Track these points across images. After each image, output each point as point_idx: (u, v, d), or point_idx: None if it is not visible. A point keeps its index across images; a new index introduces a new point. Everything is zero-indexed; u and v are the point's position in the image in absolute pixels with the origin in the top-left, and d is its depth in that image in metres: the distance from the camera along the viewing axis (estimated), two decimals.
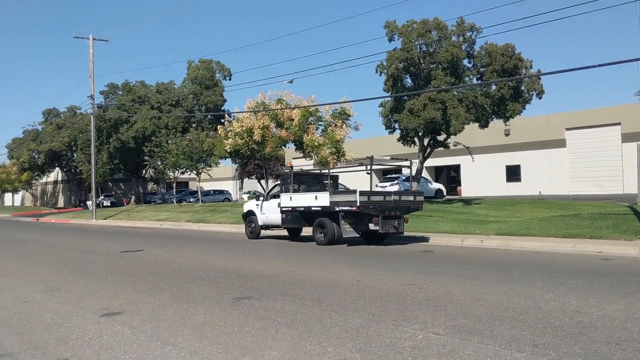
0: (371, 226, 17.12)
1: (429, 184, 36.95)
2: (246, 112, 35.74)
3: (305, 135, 33.60)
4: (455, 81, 26.42)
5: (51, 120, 69.98)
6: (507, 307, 7.83)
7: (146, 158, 52.16)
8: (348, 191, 17.98)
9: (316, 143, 32.78)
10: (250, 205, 21.91)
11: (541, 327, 6.71)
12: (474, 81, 27.62)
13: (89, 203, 55.47)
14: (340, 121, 33.19)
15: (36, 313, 8.38)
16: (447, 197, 38.20)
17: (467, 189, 45.90)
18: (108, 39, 46.51)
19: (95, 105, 45.19)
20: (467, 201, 29.58)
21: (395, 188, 34.02)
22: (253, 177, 71.33)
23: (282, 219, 19.40)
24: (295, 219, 19.01)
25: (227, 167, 71.81)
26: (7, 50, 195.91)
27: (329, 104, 33.27)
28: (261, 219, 20.83)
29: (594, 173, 40.78)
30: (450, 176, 49.90)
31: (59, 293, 10.02)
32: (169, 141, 47.44)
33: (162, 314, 8.04)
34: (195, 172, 45.80)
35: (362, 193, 16.88)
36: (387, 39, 27.05)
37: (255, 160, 49.84)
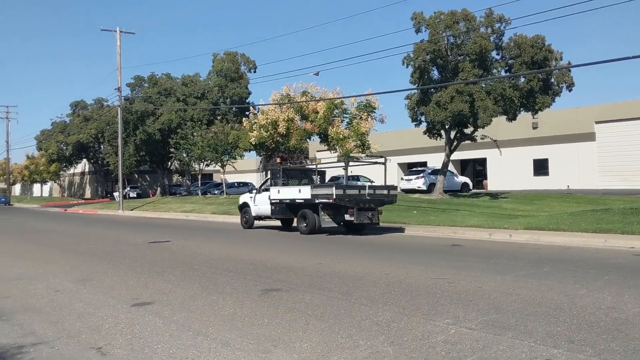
0: (347, 217, 18.62)
1: (455, 178, 36.58)
2: (271, 104, 35.73)
3: (330, 127, 33.46)
4: (483, 73, 26.05)
5: (79, 113, 70.84)
6: (540, 303, 7.70)
7: (172, 150, 52.55)
8: (326, 185, 19.98)
9: (341, 136, 32.56)
10: (244, 197, 23.63)
11: (576, 323, 6.58)
12: (503, 73, 27.20)
13: (115, 194, 56.16)
14: (366, 114, 32.84)
15: (68, 302, 8.49)
16: (473, 190, 37.81)
17: (493, 183, 45.38)
18: (135, 31, 46.77)
19: (122, 98, 45.62)
20: (494, 195, 29.25)
21: (421, 181, 33.82)
22: None
23: (272, 210, 20.93)
24: (283, 210, 20.52)
25: (251, 159, 72.04)
26: (35, 44, 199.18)
27: (354, 96, 33.04)
28: (254, 210, 22.43)
29: (624, 167, 39.95)
30: (476, 170, 49.38)
31: (90, 283, 10.14)
32: (194, 133, 47.67)
33: (192, 304, 8.09)
34: (220, 165, 46.04)
35: (337, 187, 18.69)
36: (414, 30, 26.82)
37: (279, 153, 49.95)
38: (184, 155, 50.36)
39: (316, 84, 36.16)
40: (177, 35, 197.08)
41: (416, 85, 26.90)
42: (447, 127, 27.84)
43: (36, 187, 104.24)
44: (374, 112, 33.27)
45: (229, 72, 54.15)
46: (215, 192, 55.79)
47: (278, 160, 23.19)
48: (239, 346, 6.01)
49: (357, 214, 18.25)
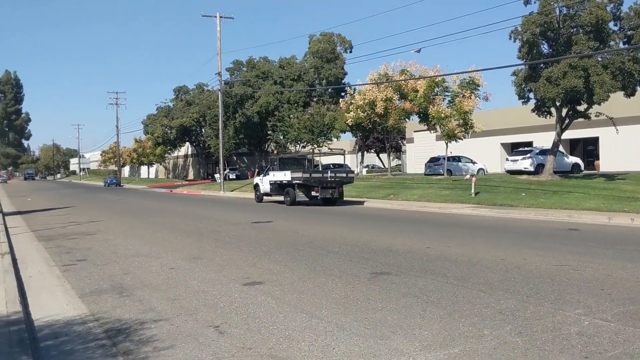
0: (313, 193, 25.10)
1: (565, 158, 34.36)
2: (368, 84, 35.22)
3: (431, 106, 32.43)
4: (599, 46, 24.10)
5: (181, 98, 73.55)
6: None
7: (269, 132, 53.43)
8: (299, 170, 26.18)
9: (442, 115, 31.46)
10: (257, 179, 31.16)
11: None
12: (621, 45, 25.04)
13: (217, 176, 57.96)
14: (469, 91, 31.53)
15: (183, 280, 8.67)
16: (584, 171, 35.45)
17: (605, 163, 42.29)
18: (234, 16, 47.64)
19: (222, 82, 46.80)
20: (610, 176, 27.16)
21: (528, 162, 32.13)
22: (372, 150, 70.91)
23: (270, 189, 28.03)
24: (276, 188, 27.40)
25: (345, 140, 71.90)
26: (141, 32, 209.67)
27: (456, 73, 31.67)
28: (262, 189, 29.43)
29: None
30: (586, 149, 46.32)
31: (201, 261, 10.35)
32: (291, 115, 48.15)
33: (302, 286, 8.00)
34: (316, 146, 46.22)
35: (305, 172, 25.79)
36: (523, 2, 25.16)
37: (375, 134, 49.36)
38: (281, 137, 51.02)
39: (415, 62, 35.23)
40: (274, 18, 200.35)
41: (524, 60, 25.35)
42: (558, 104, 26.10)
43: (143, 169, 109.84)
44: (478, 89, 31.85)
45: (325, 53, 54.10)
46: None
47: (275, 152, 28.75)
48: (356, 330, 5.82)
49: (321, 191, 24.89)
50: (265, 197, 29.72)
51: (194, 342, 5.56)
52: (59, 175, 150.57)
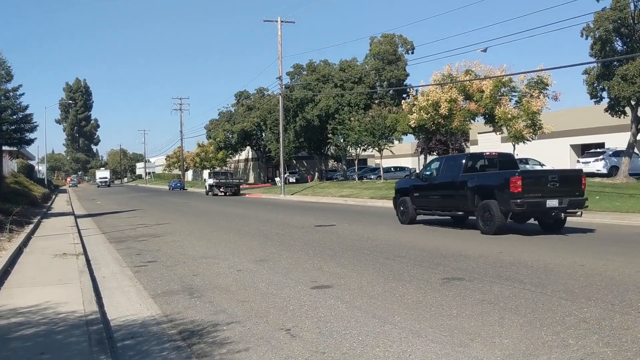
0: (221, 189, 47.66)
1: None
2: (431, 85, 34.58)
3: (497, 107, 31.47)
4: None
5: (242, 102, 74.52)
6: None
7: (329, 135, 53.35)
8: (216, 179, 48.60)
9: (509, 115, 30.45)
10: (207, 182, 52.63)
11: None
12: None
13: (277, 179, 58.48)
14: (537, 91, 30.42)
15: (251, 282, 8.67)
16: None
17: None
18: (294, 20, 47.95)
19: (283, 86, 47.13)
20: None
21: (600, 164, 30.77)
22: (434, 153, 69.76)
23: (208, 188, 50.49)
24: (210, 188, 49.43)
25: (406, 143, 71.11)
26: (204, 40, 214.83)
27: (524, 72, 30.47)
28: (207, 188, 50.87)
29: None
30: None
31: (267, 264, 10.35)
32: (352, 118, 47.87)
33: (372, 290, 7.85)
34: (377, 149, 45.81)
35: (216, 179, 49.39)
36: None
37: (438, 136, 48.39)
38: (341, 140, 50.84)
39: (480, 62, 34.14)
40: (334, 20, 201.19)
41: (597, 58, 24.26)
42: (633, 103, 24.84)
43: (206, 173, 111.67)
44: (547, 89, 30.67)
45: (386, 54, 53.57)
46: (372, 176, 55.77)
47: (215, 168, 54.68)
48: (432, 337, 5.62)
49: (225, 189, 47.15)
50: (209, 193, 49.91)
51: (266, 345, 5.51)
52: (125, 179, 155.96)
